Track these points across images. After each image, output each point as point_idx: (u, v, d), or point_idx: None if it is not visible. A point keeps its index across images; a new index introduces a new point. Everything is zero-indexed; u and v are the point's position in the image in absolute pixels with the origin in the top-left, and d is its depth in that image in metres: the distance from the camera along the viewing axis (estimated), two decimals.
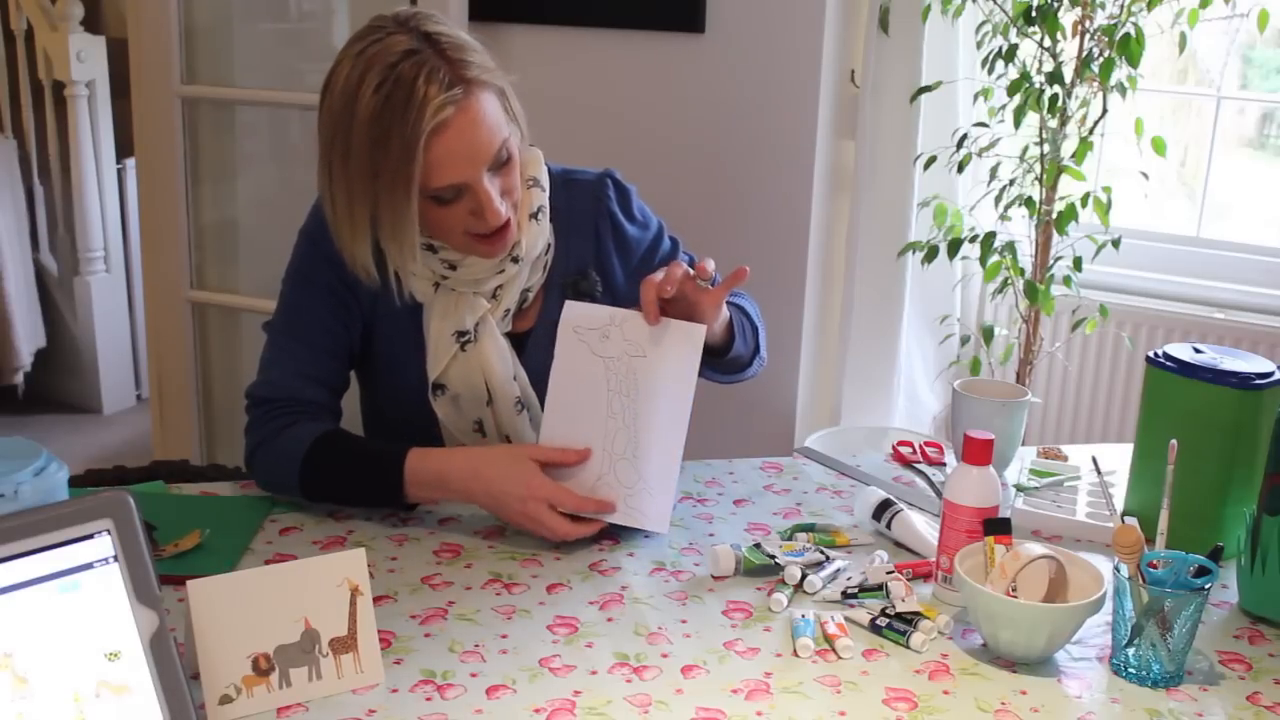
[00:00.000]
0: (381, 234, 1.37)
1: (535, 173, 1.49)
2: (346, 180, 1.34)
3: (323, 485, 1.41)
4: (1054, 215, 2.54)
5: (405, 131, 1.29)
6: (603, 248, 1.57)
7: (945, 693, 1.11)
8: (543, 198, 1.49)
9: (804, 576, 1.28)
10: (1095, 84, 2.47)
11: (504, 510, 1.37)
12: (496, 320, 1.48)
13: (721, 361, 1.49)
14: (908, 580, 1.29)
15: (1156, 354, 1.41)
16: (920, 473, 1.65)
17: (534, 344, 1.52)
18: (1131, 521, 1.16)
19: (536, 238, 1.48)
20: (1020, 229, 2.68)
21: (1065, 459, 1.66)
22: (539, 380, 1.47)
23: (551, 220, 1.53)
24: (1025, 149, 2.59)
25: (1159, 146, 2.50)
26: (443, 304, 1.47)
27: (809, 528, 1.44)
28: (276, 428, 1.44)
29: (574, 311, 1.38)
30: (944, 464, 1.68)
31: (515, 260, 1.46)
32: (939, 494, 1.55)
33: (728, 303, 1.49)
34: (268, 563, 1.30)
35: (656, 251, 1.60)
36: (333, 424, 1.48)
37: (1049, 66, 2.49)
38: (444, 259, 1.45)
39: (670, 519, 1.37)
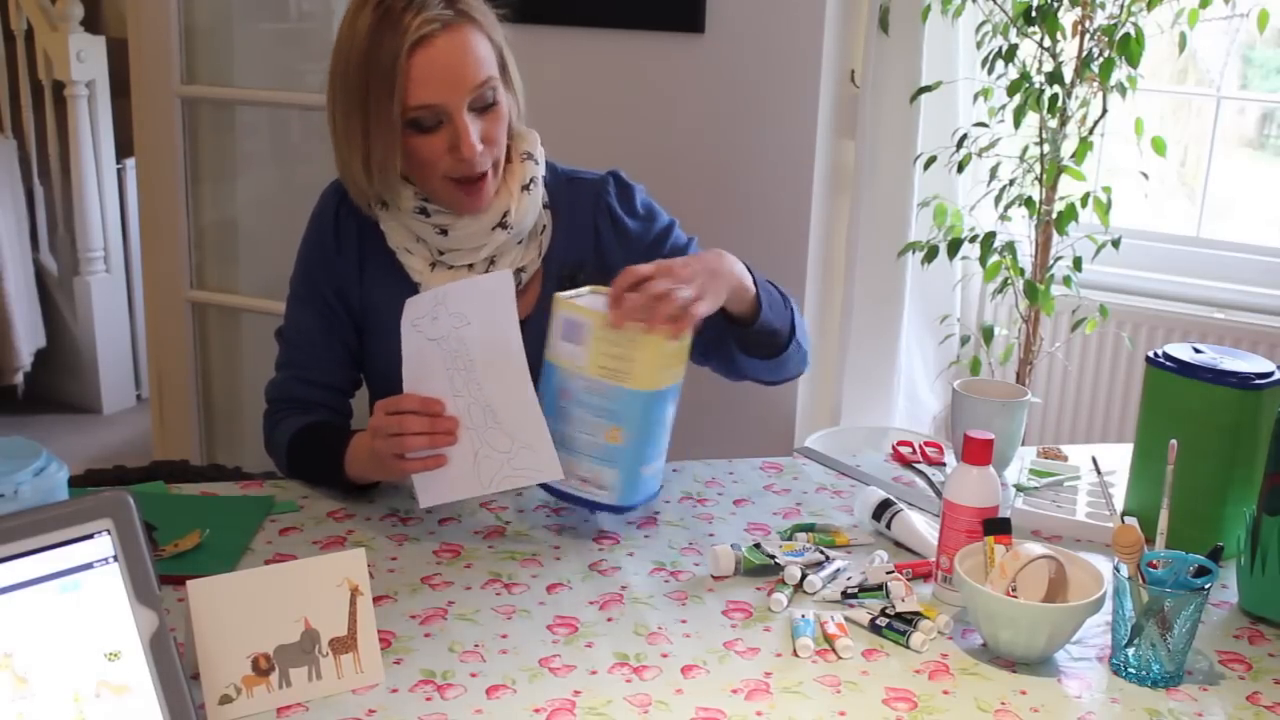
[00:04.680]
0: (371, 157, 1.43)
1: (530, 148, 1.54)
2: (345, 100, 1.43)
3: (304, 472, 1.52)
4: (1054, 215, 2.53)
5: (392, 44, 1.37)
6: (603, 242, 1.60)
7: (945, 693, 1.11)
8: (536, 170, 1.53)
9: (804, 576, 1.28)
10: (1095, 84, 2.47)
11: (374, 454, 1.37)
12: None
13: (751, 331, 1.46)
14: (908, 580, 1.29)
15: (1156, 354, 1.41)
16: (920, 473, 1.65)
17: (529, 331, 1.53)
18: (1131, 521, 1.17)
19: (528, 209, 1.52)
20: (1020, 229, 2.68)
21: (1065, 459, 1.66)
22: (535, 366, 1.48)
23: (553, 214, 1.58)
24: (1025, 149, 2.59)
25: (1159, 146, 2.50)
26: (439, 282, 1.50)
27: (809, 528, 1.44)
28: (274, 423, 1.57)
29: (408, 307, 1.35)
30: (944, 464, 1.68)
31: (506, 227, 1.49)
32: (939, 494, 1.55)
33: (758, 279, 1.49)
34: (268, 563, 1.30)
35: (664, 244, 1.60)
36: (323, 417, 1.57)
37: (1049, 66, 2.49)
38: (436, 224, 1.49)
39: (558, 462, 1.34)
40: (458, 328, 1.33)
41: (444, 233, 1.50)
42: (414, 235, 1.53)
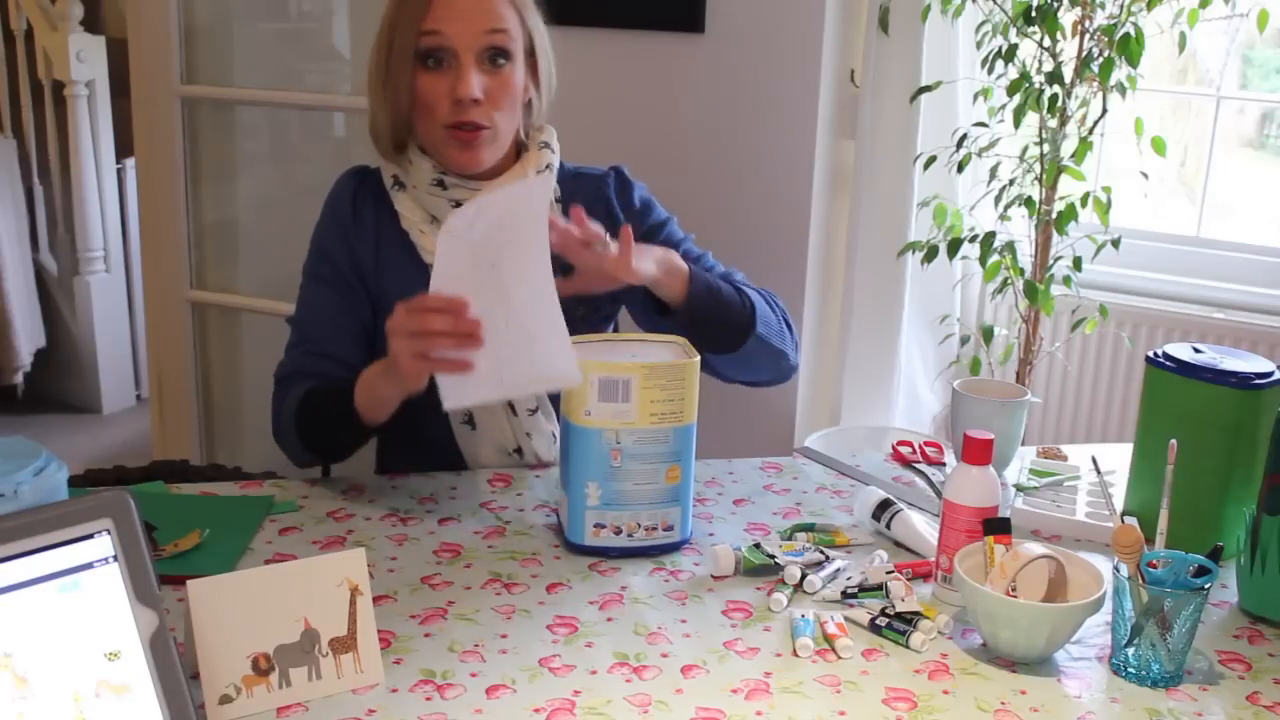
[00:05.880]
0: (386, 88, 1.50)
1: (548, 139, 1.60)
2: (378, 43, 1.52)
3: (314, 430, 1.49)
4: (1054, 215, 2.54)
5: None
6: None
7: (945, 692, 1.11)
8: (552, 159, 1.59)
9: (804, 576, 1.28)
10: (1095, 84, 2.47)
11: (392, 358, 1.33)
12: None
13: (686, 314, 1.45)
14: (908, 580, 1.29)
15: (1156, 354, 1.41)
16: (920, 473, 1.65)
17: None
18: (1131, 521, 1.17)
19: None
20: (1020, 229, 2.68)
21: (1065, 459, 1.66)
22: None
23: (561, 208, 1.61)
24: (1025, 149, 2.59)
25: (1159, 146, 2.50)
26: None
27: (809, 527, 1.44)
28: (282, 398, 1.55)
29: (451, 218, 1.34)
30: (944, 464, 1.68)
31: None
32: (939, 494, 1.55)
33: (721, 277, 1.53)
34: (268, 563, 1.30)
35: (656, 238, 1.63)
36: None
37: (1049, 66, 2.49)
38: (452, 198, 1.53)
39: (576, 367, 1.31)
40: (491, 232, 1.32)
41: (459, 205, 1.52)
42: (429, 215, 1.55)
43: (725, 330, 1.50)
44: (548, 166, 1.57)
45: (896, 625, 1.19)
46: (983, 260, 2.59)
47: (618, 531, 1.34)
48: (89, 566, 0.92)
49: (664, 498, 1.34)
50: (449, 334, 1.29)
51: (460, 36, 1.46)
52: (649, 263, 1.40)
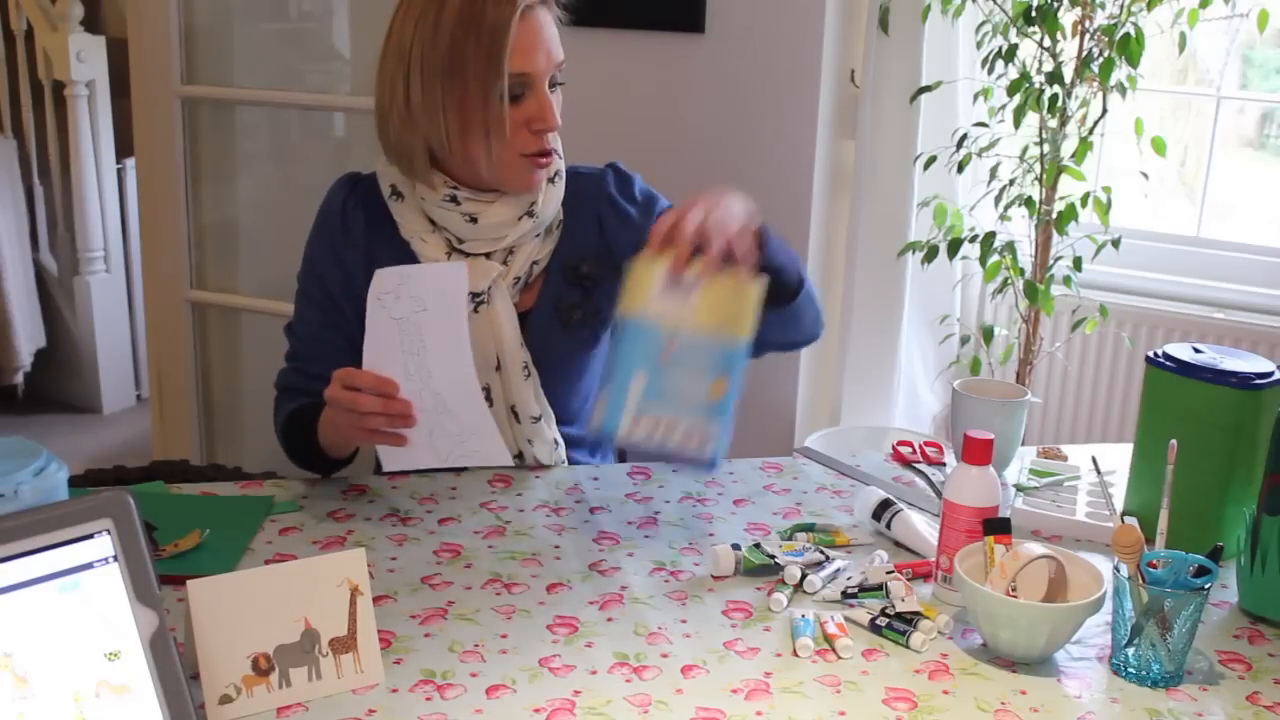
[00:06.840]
0: (470, 124, 1.45)
1: (554, 144, 1.59)
2: (429, 70, 1.44)
3: (297, 453, 1.55)
4: (1054, 215, 2.54)
5: (498, 12, 1.42)
6: (607, 232, 1.63)
7: (945, 693, 1.11)
8: (560, 165, 1.59)
9: (804, 576, 1.28)
10: (1095, 84, 2.47)
11: (334, 418, 1.41)
12: (506, 287, 1.55)
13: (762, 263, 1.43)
14: (908, 580, 1.29)
15: (1156, 354, 1.41)
16: (920, 473, 1.65)
17: (534, 323, 1.60)
18: (1131, 521, 1.17)
19: (553, 200, 1.57)
20: (1020, 229, 2.68)
21: (1065, 459, 1.66)
22: (538, 359, 1.56)
23: (562, 209, 1.62)
24: (1025, 149, 2.59)
25: (1159, 146, 2.50)
26: None
27: (809, 528, 1.44)
28: (277, 411, 1.60)
29: (375, 280, 1.36)
30: (944, 464, 1.68)
31: (531, 215, 1.54)
32: (939, 494, 1.55)
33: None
34: (268, 563, 1.30)
35: None
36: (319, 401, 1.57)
37: (1049, 66, 2.49)
38: (465, 212, 1.53)
39: (505, 449, 1.40)
40: (415, 312, 1.35)
41: (473, 220, 1.52)
42: (429, 224, 1.55)
43: (785, 283, 1.46)
44: (557, 173, 1.57)
45: (896, 625, 1.19)
46: (983, 260, 2.59)
47: (654, 428, 1.31)
48: (89, 566, 0.92)
49: (707, 409, 1.32)
50: (382, 414, 1.33)
51: (539, 70, 1.48)
52: (749, 222, 1.35)
